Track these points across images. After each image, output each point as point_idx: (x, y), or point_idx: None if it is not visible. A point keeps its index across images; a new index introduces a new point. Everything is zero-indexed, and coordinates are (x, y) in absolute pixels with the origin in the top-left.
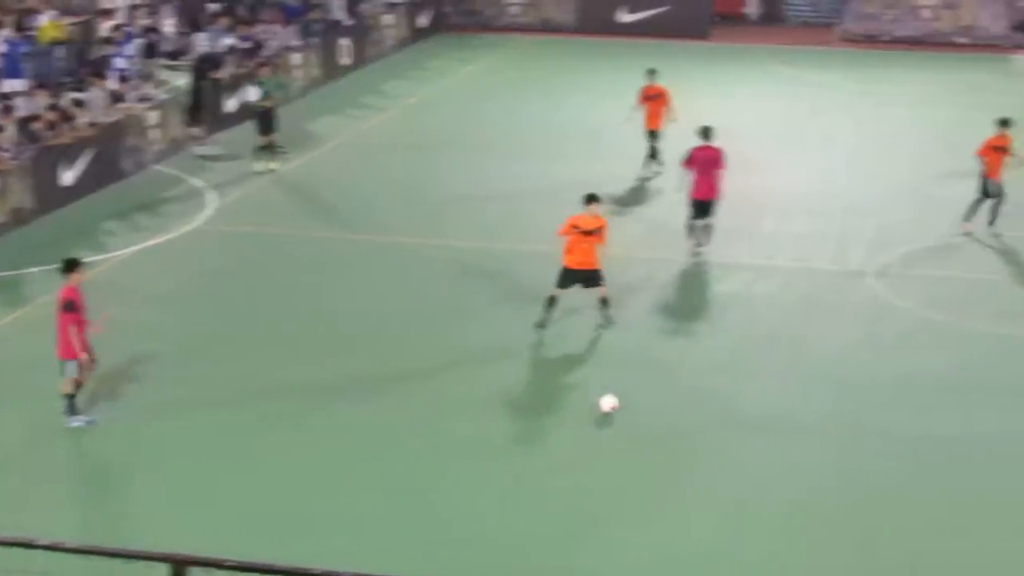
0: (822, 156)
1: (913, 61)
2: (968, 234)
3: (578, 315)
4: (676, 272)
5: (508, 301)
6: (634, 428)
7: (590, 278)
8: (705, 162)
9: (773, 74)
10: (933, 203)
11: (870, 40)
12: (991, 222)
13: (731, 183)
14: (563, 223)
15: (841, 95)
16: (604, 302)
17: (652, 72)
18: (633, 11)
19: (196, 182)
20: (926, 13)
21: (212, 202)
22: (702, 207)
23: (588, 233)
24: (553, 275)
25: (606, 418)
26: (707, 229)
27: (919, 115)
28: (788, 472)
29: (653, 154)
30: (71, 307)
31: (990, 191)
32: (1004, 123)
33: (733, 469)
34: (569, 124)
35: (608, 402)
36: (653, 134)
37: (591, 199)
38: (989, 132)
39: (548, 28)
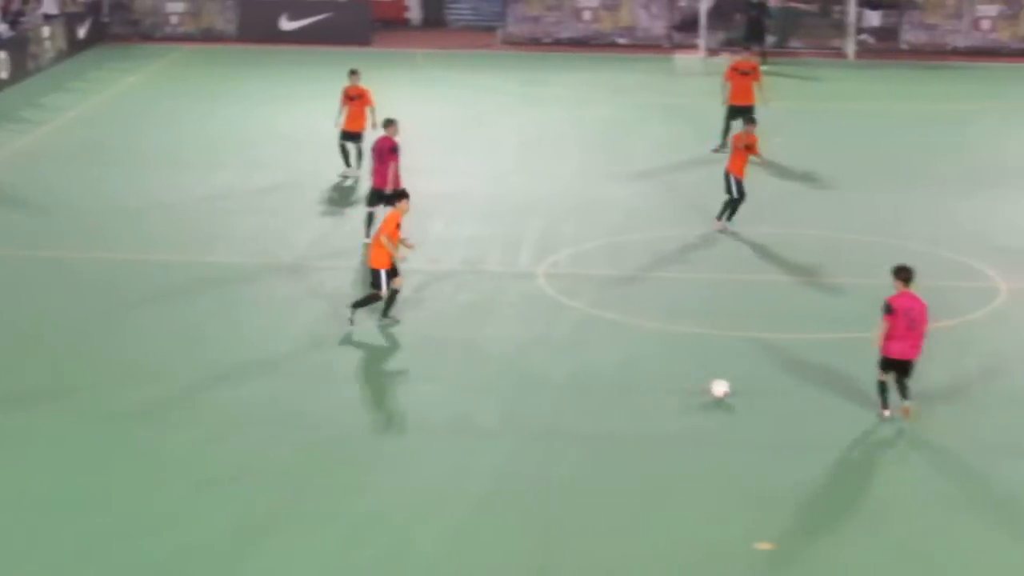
0: (487, 159)
1: (576, 63)
2: (722, 231)
3: (242, 322)
4: (348, 278)
5: (162, 312)
6: (308, 436)
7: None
8: (379, 151)
9: (436, 79)
10: (598, 203)
11: (533, 43)
12: (727, 217)
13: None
14: (389, 226)
15: (505, 98)
16: (362, 303)
17: (354, 73)
18: (294, 19)
19: None
20: (587, 15)
21: None
22: (377, 196)
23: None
24: (213, 284)
25: (282, 429)
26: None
27: (583, 116)
28: (465, 476)
29: (359, 154)
30: None
31: (737, 189)
32: (751, 121)
33: (410, 475)
34: (229, 133)
35: (720, 387)
36: (356, 135)
37: (401, 196)
38: (653, 131)
39: (211, 37)
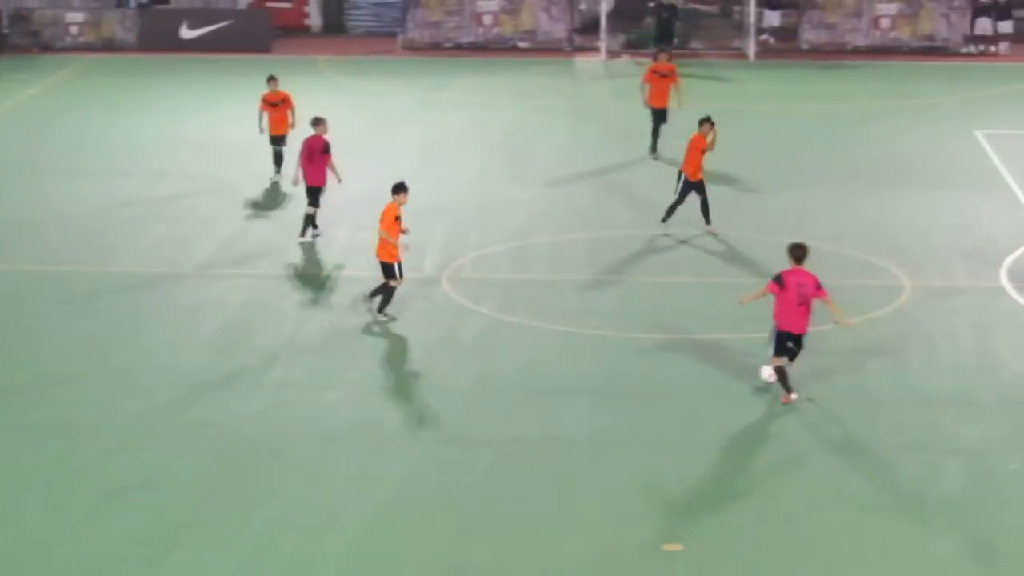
0: (390, 165)
1: (477, 67)
2: (713, 234)
3: (146, 332)
4: (248, 287)
5: (66, 322)
6: (215, 445)
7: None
8: (309, 150)
9: (338, 85)
10: (502, 207)
11: (433, 48)
12: (664, 219)
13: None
14: (387, 218)
15: (407, 103)
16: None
17: (272, 79)
18: (194, 27)
19: None
20: (487, 19)
21: None
22: (309, 192)
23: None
24: (116, 294)
25: (189, 438)
26: (310, 218)
27: (485, 120)
28: (373, 481)
29: (278, 160)
30: None
31: (689, 189)
32: (707, 120)
33: (317, 481)
34: (131, 142)
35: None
36: (283, 139)
37: (399, 188)
38: (556, 135)
39: (111, 47)
